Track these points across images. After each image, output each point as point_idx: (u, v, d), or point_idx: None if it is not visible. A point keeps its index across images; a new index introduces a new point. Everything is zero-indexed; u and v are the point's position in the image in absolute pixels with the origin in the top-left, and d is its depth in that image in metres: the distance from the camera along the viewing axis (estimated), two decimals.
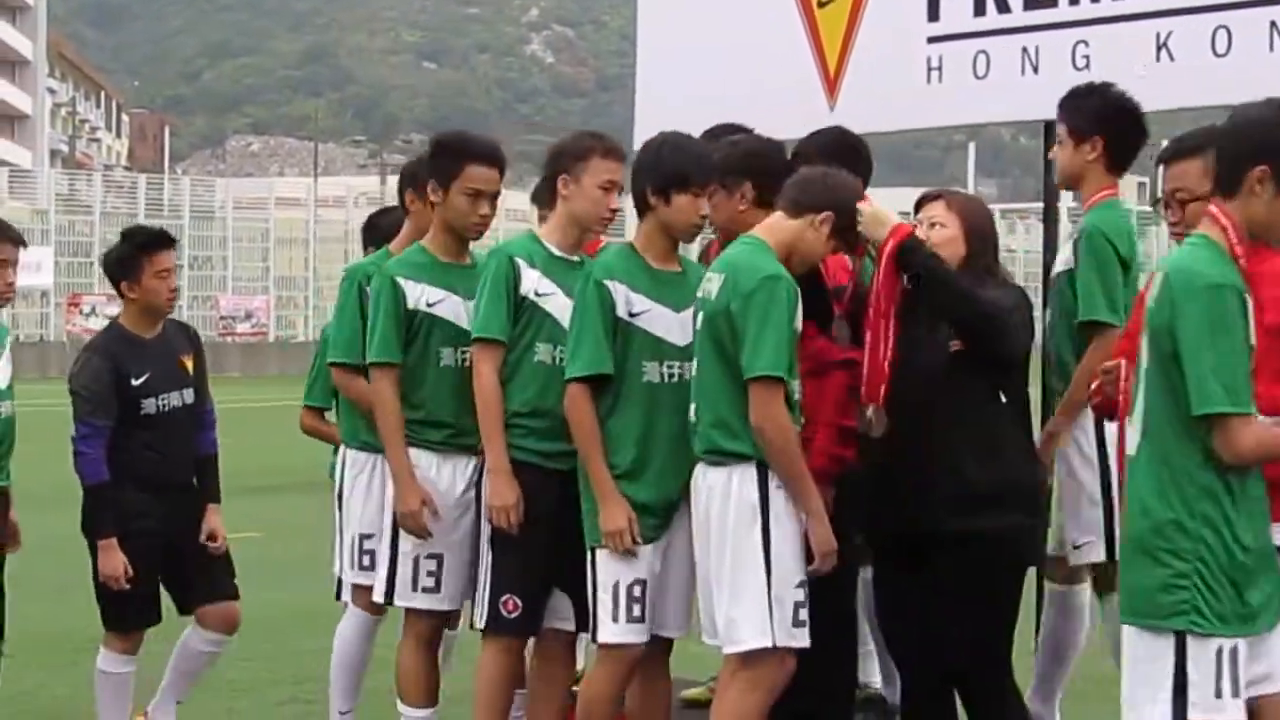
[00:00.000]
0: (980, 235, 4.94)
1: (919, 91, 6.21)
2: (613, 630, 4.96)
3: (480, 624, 5.26)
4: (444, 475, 5.42)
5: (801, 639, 4.69)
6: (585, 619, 5.19)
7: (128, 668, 6.11)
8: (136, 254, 6.02)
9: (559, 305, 5.17)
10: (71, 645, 7.79)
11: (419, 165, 5.99)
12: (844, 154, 5.61)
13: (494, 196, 5.47)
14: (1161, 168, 4.47)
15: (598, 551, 4.96)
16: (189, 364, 6.15)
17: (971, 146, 50.17)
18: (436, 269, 5.47)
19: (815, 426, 5.02)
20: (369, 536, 5.73)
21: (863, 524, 5.03)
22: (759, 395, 4.62)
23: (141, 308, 6.05)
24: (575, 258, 5.26)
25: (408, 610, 5.52)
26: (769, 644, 4.66)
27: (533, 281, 5.18)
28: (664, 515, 4.99)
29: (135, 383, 5.96)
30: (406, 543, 5.41)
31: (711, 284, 4.82)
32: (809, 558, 4.71)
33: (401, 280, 5.44)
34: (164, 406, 6.03)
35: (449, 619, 5.72)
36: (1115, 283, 5.26)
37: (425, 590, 5.43)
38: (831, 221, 4.80)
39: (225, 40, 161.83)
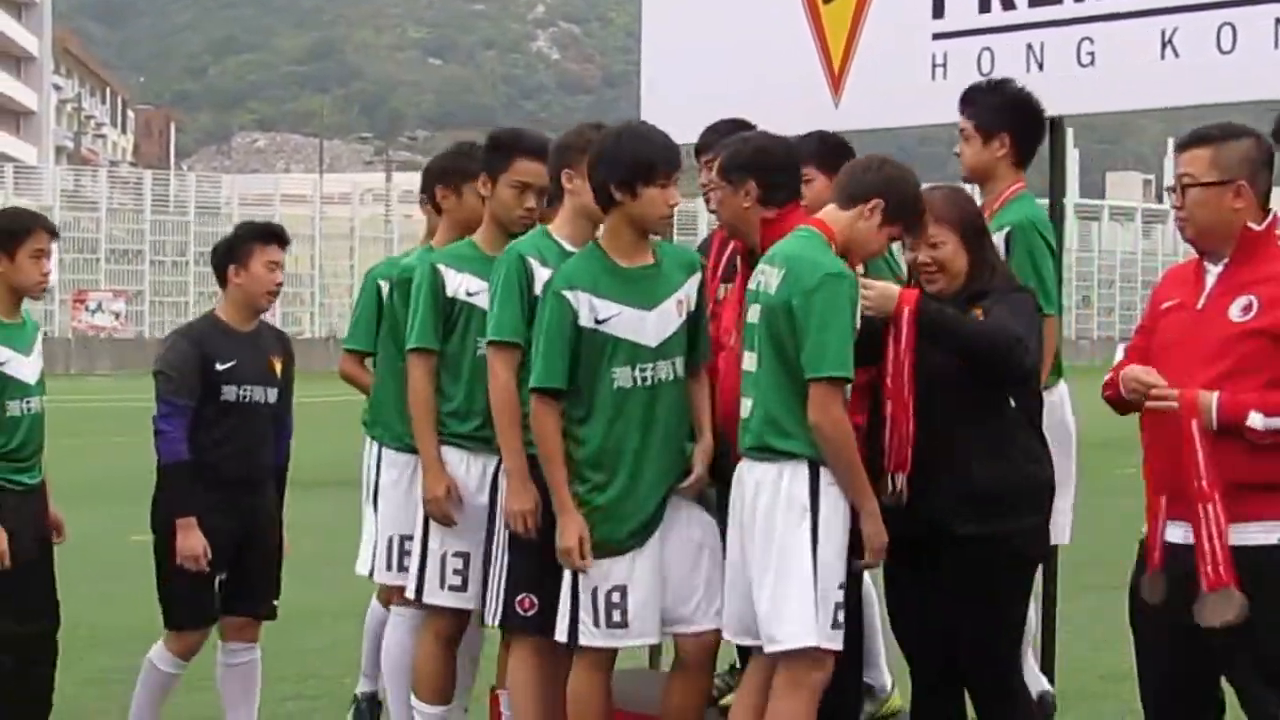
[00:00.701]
0: (975, 232, 4.92)
1: (923, 88, 6.19)
2: (595, 634, 4.95)
3: (492, 621, 5.25)
4: (473, 475, 5.43)
5: (838, 641, 4.67)
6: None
7: (175, 670, 6.08)
8: (250, 240, 6.08)
9: None
10: (78, 643, 7.79)
11: (449, 160, 6.01)
12: (839, 154, 5.62)
13: (541, 191, 5.46)
14: (1174, 155, 4.51)
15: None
16: (278, 366, 6.14)
17: None
18: (480, 261, 5.47)
19: None
20: (409, 538, 5.68)
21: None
22: (820, 395, 4.58)
23: (243, 297, 6.07)
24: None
25: (429, 607, 5.52)
26: (812, 644, 4.62)
27: (545, 281, 5.12)
28: (645, 521, 4.96)
29: (220, 367, 5.96)
30: (434, 540, 5.42)
31: (768, 276, 4.75)
32: (858, 552, 4.68)
33: (443, 268, 5.46)
34: (245, 397, 6.01)
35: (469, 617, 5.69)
36: (1052, 274, 5.39)
37: (452, 589, 5.45)
38: (882, 209, 4.73)
39: (231, 36, 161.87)
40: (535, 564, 5.12)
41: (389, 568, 5.83)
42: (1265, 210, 4.38)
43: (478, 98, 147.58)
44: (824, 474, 4.64)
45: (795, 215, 5.19)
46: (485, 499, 5.38)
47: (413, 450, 5.71)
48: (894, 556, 4.94)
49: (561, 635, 5.01)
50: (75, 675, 7.13)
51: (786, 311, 4.64)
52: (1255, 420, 4.16)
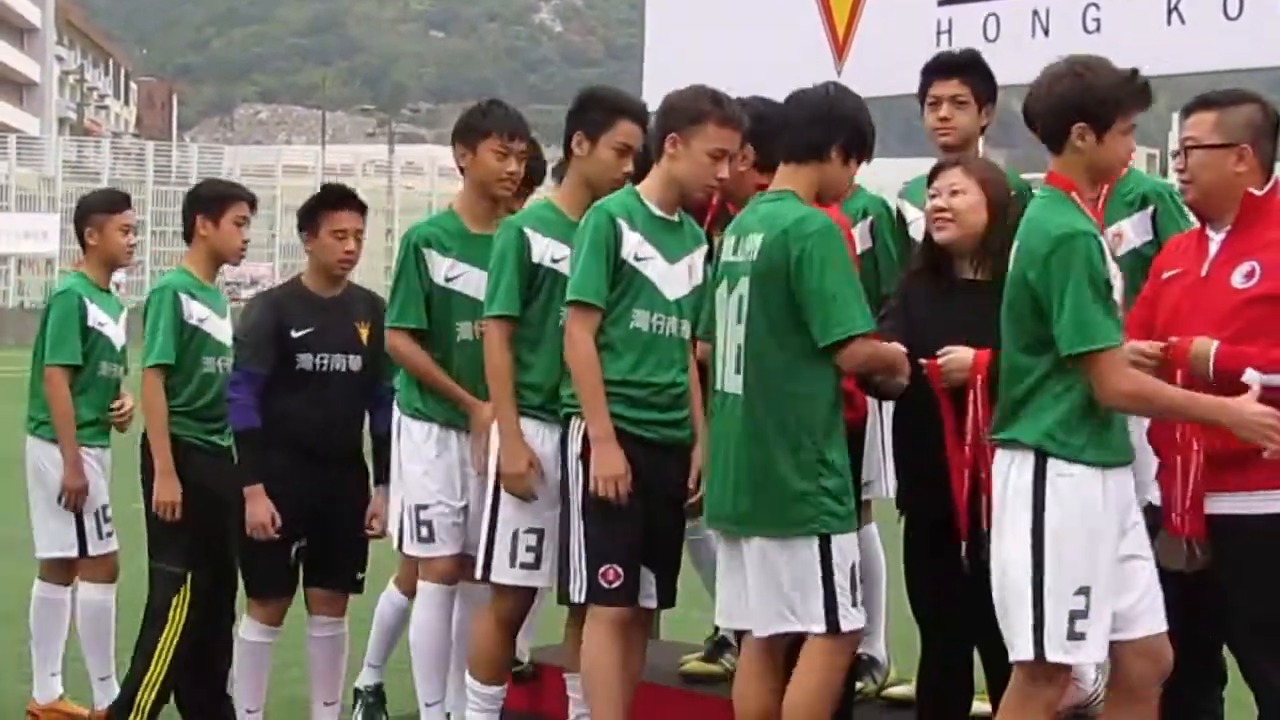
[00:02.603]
0: (1000, 206, 4.81)
1: (928, 55, 6.13)
2: (853, 617, 4.66)
3: (580, 597, 5.00)
4: (549, 447, 5.20)
5: (1078, 654, 4.15)
6: (668, 596, 5.08)
7: (265, 638, 6.02)
8: (316, 208, 5.99)
9: (658, 270, 4.99)
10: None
11: (465, 118, 5.72)
12: None
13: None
14: (1179, 121, 4.50)
15: (833, 539, 4.59)
16: (364, 333, 5.98)
17: None
18: (564, 225, 5.22)
19: None
20: (425, 507, 5.56)
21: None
22: (1095, 369, 4.09)
23: (318, 264, 6.00)
24: (675, 218, 5.08)
25: (495, 585, 5.31)
26: (1029, 657, 4.17)
27: (633, 244, 4.96)
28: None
29: (295, 334, 5.88)
30: (504, 515, 5.21)
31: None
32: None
33: (529, 233, 5.21)
34: (323, 366, 5.91)
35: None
36: None
37: (524, 566, 5.23)
38: (1085, 129, 4.22)
39: (233, 9, 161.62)
40: (617, 533, 4.94)
41: (410, 538, 5.63)
42: (1269, 177, 4.37)
43: (480, 70, 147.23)
44: (1052, 465, 4.16)
45: None
46: (558, 474, 5.17)
47: (428, 418, 5.57)
48: (925, 525, 4.90)
49: (819, 626, 4.61)
50: (70, 642, 7.09)
51: (1024, 286, 4.21)
52: (1251, 376, 4.13)
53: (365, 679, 6.26)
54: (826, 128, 4.72)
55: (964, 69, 5.43)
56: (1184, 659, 4.41)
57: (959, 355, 4.65)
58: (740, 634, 5.12)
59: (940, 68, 5.45)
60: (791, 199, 4.70)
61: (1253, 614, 4.27)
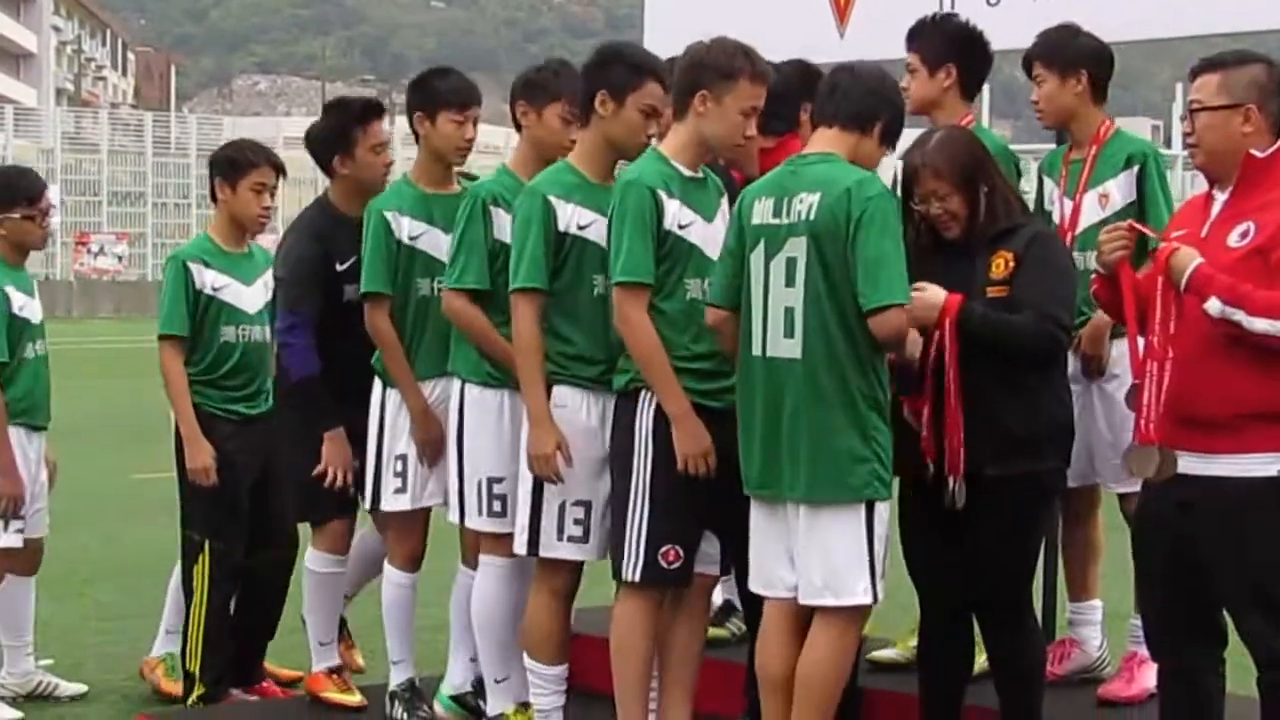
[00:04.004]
0: (977, 174, 4.82)
1: None
2: (880, 588, 4.66)
3: (634, 576, 4.90)
4: (594, 416, 5.06)
5: None
6: (733, 562, 5.00)
7: (334, 569, 5.87)
8: (350, 125, 5.81)
9: (700, 234, 4.89)
10: (79, 578, 7.81)
11: (535, 75, 5.50)
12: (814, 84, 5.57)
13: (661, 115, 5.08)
14: (1186, 85, 4.52)
15: (876, 506, 4.61)
16: None
17: (986, 89, 49.97)
18: (587, 189, 5.05)
19: None
20: (499, 480, 5.34)
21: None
22: None
23: (352, 185, 5.81)
24: (701, 174, 4.98)
25: (543, 561, 5.16)
26: None
27: (674, 213, 4.85)
28: None
29: (340, 267, 5.71)
30: (550, 488, 5.05)
31: None
32: None
33: (554, 201, 5.02)
34: None
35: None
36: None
37: (572, 539, 5.07)
38: None
39: None
40: (681, 512, 4.86)
41: (480, 513, 5.38)
42: (1277, 137, 4.36)
43: (481, 41, 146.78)
44: None
45: (792, 144, 5.12)
46: (605, 443, 5.04)
47: (501, 384, 5.32)
48: (918, 491, 4.89)
49: (869, 597, 4.64)
50: (79, 608, 7.15)
51: None
52: (1213, 305, 4.17)
53: (397, 676, 5.79)
54: (877, 102, 4.72)
55: (912, 37, 5.48)
56: (1184, 620, 4.43)
57: (928, 295, 4.68)
58: (746, 595, 5.13)
59: (906, 38, 5.49)
60: (841, 161, 4.68)
61: (1247, 576, 4.28)
